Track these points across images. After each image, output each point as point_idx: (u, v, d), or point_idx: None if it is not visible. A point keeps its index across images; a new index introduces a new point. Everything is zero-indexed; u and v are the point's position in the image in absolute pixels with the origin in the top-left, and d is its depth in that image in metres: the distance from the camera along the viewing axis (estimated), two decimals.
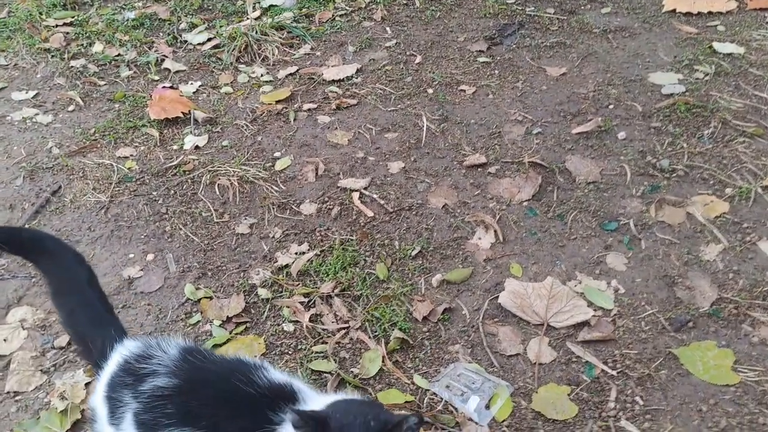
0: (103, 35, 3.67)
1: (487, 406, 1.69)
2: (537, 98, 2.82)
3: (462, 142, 2.63)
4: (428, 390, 1.75)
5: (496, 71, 3.03)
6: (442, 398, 1.72)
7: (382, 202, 2.38)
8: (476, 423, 1.66)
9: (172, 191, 2.53)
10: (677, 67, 2.88)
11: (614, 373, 1.74)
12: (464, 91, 2.92)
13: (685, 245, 2.07)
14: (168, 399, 1.17)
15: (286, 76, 3.21)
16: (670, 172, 2.33)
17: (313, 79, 3.15)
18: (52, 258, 1.42)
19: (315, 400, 1.21)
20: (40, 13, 3.86)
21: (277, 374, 1.24)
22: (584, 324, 1.87)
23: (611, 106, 2.71)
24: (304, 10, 3.75)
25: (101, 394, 1.25)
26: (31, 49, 3.57)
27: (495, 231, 2.21)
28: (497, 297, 1.98)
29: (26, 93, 3.25)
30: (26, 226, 2.38)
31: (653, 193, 2.26)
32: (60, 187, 2.58)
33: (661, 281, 1.97)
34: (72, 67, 3.42)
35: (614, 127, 2.59)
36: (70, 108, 3.12)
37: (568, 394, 1.70)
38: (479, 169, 2.49)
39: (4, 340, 1.98)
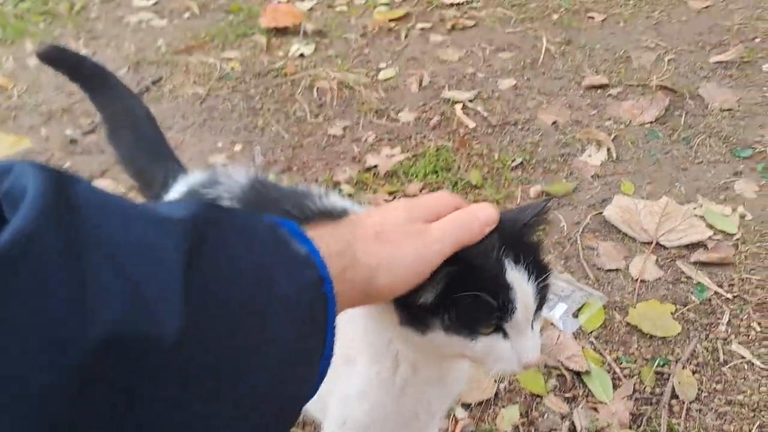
0: None
1: (575, 315, 1.56)
2: (674, 28, 2.59)
3: (583, 65, 2.46)
4: None
5: (632, 1, 2.82)
6: None
7: (486, 114, 2.28)
8: (559, 329, 1.53)
9: (270, 90, 2.58)
10: None
11: (729, 296, 1.54)
12: (593, 18, 2.74)
13: None
14: None
15: (404, 0, 3.18)
16: None
17: (431, 2, 3.09)
18: (112, 93, 1.40)
19: None
20: None
21: (334, 199, 1.18)
22: (699, 245, 1.68)
23: (757, 39, 2.43)
24: None
25: None
26: None
27: (608, 149, 2.04)
28: (601, 213, 1.83)
29: (147, 0, 3.45)
30: None
31: None
32: (161, 78, 2.70)
33: None
34: None
35: (758, 59, 2.32)
36: (186, 15, 3.27)
37: (672, 313, 1.53)
38: (599, 90, 2.32)
39: None
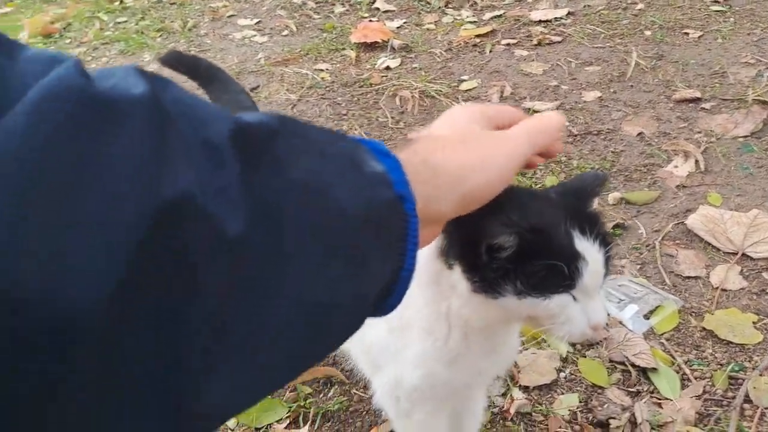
0: None
1: (647, 317, 1.53)
2: None
3: (675, 79, 2.42)
4: None
5: (732, 18, 2.76)
6: None
7: (567, 124, 2.29)
8: (629, 329, 1.50)
9: (356, 98, 2.70)
10: None
11: None
12: (688, 34, 2.70)
13: None
14: None
15: (491, 18, 3.26)
16: None
17: (518, 20, 3.16)
18: (222, 87, 1.61)
19: None
20: None
21: None
22: None
23: None
24: None
25: None
26: None
27: (696, 160, 2.00)
28: (684, 222, 1.79)
29: (250, 20, 3.71)
30: None
31: None
32: (258, 86, 2.90)
33: None
34: (294, 2, 3.83)
35: None
36: (284, 33, 3.50)
37: (754, 322, 1.47)
38: (690, 104, 2.28)
39: None
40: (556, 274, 0.76)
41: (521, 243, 0.76)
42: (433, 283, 0.87)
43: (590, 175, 0.87)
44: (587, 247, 0.77)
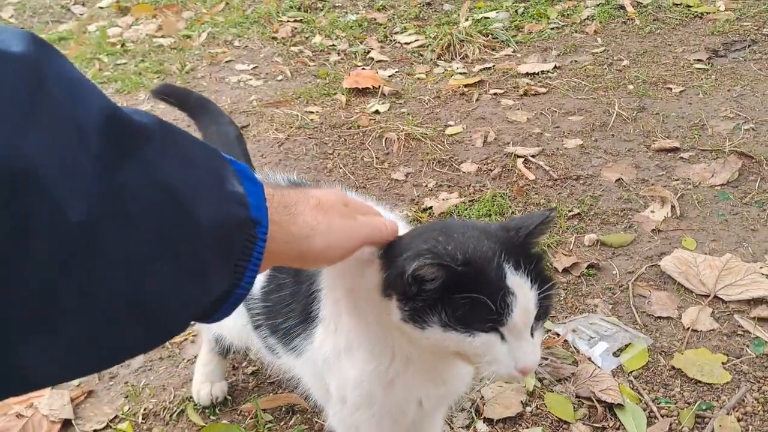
0: (324, 31, 4.19)
1: (616, 354, 1.52)
2: (756, 100, 2.58)
3: (656, 130, 2.48)
4: (550, 330, 1.63)
5: (713, 76, 2.84)
6: (565, 339, 1.59)
7: (548, 168, 2.33)
8: (597, 366, 1.49)
9: (343, 139, 2.75)
10: None
11: None
12: (670, 89, 2.77)
13: None
14: None
15: (480, 70, 3.35)
16: None
17: (506, 72, 3.24)
18: (211, 118, 1.65)
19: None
20: (277, 12, 4.55)
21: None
22: (762, 301, 1.61)
23: None
24: (515, 22, 3.91)
25: None
26: (261, 36, 4.19)
27: (672, 206, 2.02)
28: (657, 265, 1.80)
29: (247, 65, 3.81)
30: None
31: None
32: (248, 125, 2.95)
33: None
34: (291, 51, 3.94)
35: None
36: (279, 77, 3.58)
37: (723, 363, 1.46)
38: (669, 154, 2.32)
39: None
40: (482, 308, 0.75)
41: (448, 275, 0.75)
42: (379, 310, 0.87)
43: (538, 213, 0.86)
44: (519, 284, 0.76)
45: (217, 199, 0.52)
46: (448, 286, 0.76)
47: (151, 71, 3.91)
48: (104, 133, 0.42)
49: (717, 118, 2.50)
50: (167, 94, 1.67)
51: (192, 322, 0.56)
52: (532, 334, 0.81)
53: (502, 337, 0.78)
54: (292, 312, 1.04)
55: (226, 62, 3.91)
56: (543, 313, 0.81)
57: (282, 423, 1.44)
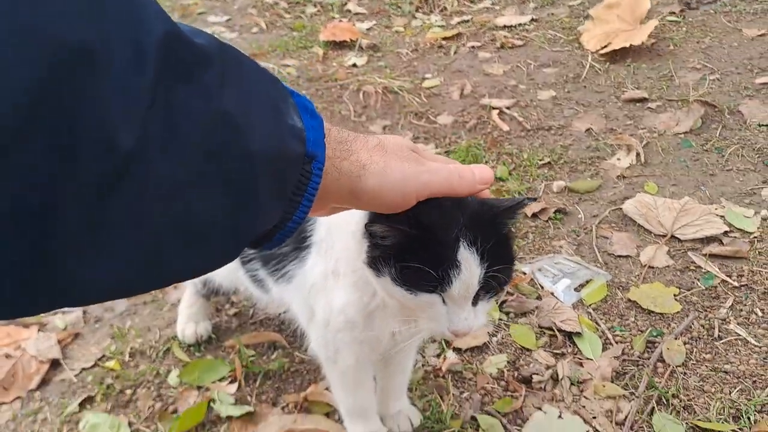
0: None
1: (577, 290, 1.65)
2: (723, 52, 2.68)
3: (626, 81, 2.58)
4: (516, 270, 1.75)
5: (684, 28, 2.93)
6: (531, 278, 1.71)
7: (521, 119, 2.42)
8: (560, 300, 1.62)
9: (320, 92, 2.82)
10: None
11: (737, 284, 1.59)
12: (642, 42, 2.86)
13: None
14: None
15: (458, 23, 3.41)
16: None
17: (484, 24, 3.31)
18: None
19: None
20: None
21: None
22: (714, 239, 1.74)
23: None
24: None
25: None
26: None
27: (638, 153, 2.14)
28: (620, 208, 1.92)
29: (221, 17, 3.83)
30: None
31: None
32: None
33: None
34: (265, 2, 3.96)
35: None
36: (254, 30, 3.62)
37: (675, 295, 1.59)
38: (638, 104, 2.43)
39: None
40: (425, 273, 0.81)
41: (401, 236, 0.80)
42: (362, 248, 0.92)
43: (517, 198, 0.88)
44: (468, 258, 0.80)
45: (274, 132, 0.52)
46: (401, 244, 0.81)
47: None
48: (163, 56, 0.40)
49: (685, 69, 2.60)
50: None
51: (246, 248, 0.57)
52: (476, 303, 0.87)
53: (443, 301, 0.85)
54: None
55: (198, 14, 3.93)
56: (493, 287, 0.85)
57: (264, 357, 1.55)
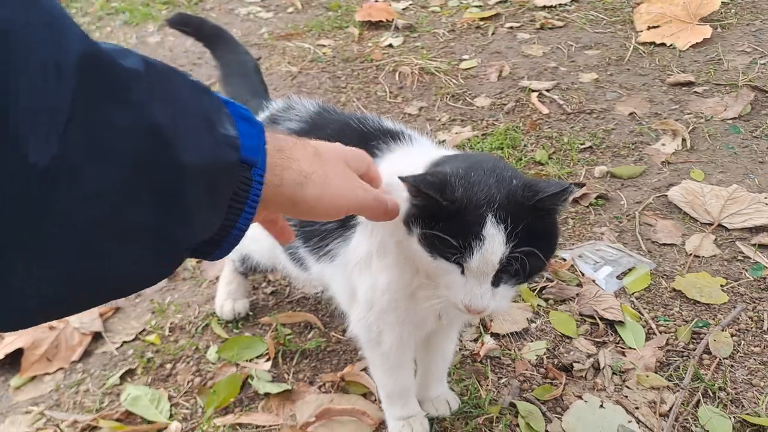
0: None
1: (620, 278, 1.63)
2: None
3: (671, 64, 2.52)
4: (557, 256, 1.73)
5: (733, 10, 2.86)
6: (571, 264, 1.69)
7: (562, 102, 2.39)
8: (601, 288, 1.60)
9: (356, 73, 2.81)
10: None
11: None
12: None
13: None
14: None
15: (496, 3, 3.36)
16: None
17: (523, 5, 3.26)
18: (227, 47, 1.72)
19: (428, 149, 1.19)
20: None
21: (388, 123, 1.35)
22: (763, 229, 1.70)
23: None
24: None
25: None
26: None
27: (683, 139, 2.09)
28: (665, 195, 1.88)
29: None
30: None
31: None
32: (260, 58, 3.01)
33: None
34: None
35: None
36: (289, 10, 3.61)
37: (722, 285, 1.56)
38: (684, 88, 2.37)
39: None
40: (448, 242, 0.84)
41: (432, 203, 0.84)
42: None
43: (560, 183, 0.86)
44: (493, 235, 0.82)
45: (205, 143, 0.53)
46: (433, 210, 0.85)
47: (159, 2, 3.95)
48: (81, 75, 0.42)
49: (734, 52, 2.54)
50: (182, 23, 1.72)
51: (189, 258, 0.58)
52: (497, 285, 0.88)
53: (462, 272, 0.87)
54: None
55: None
56: (518, 272, 0.86)
57: (301, 336, 1.57)
